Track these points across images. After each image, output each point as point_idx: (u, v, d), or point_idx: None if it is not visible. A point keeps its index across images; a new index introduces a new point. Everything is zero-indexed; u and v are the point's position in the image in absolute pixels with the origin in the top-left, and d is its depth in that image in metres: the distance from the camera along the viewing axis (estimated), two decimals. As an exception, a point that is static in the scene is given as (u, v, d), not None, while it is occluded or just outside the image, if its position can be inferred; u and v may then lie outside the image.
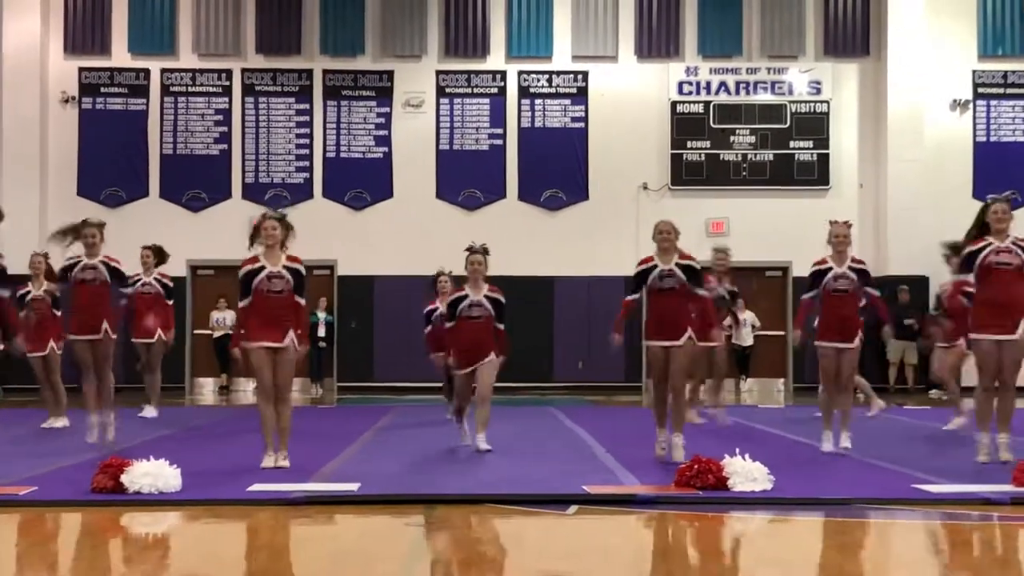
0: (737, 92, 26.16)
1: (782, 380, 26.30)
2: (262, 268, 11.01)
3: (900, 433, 15.41)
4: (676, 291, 11.40)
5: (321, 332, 25.07)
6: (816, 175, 26.03)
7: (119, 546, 8.14)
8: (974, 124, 26.26)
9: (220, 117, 26.13)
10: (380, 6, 26.27)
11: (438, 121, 26.16)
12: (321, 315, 25.12)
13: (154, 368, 17.10)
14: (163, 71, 26.11)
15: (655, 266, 11.46)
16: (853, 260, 12.44)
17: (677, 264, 11.48)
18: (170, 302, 16.88)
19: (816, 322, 12.66)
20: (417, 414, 17.83)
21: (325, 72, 26.19)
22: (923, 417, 17.96)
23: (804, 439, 14.07)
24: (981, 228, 11.58)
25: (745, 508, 8.97)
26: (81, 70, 26.00)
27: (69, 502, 9.15)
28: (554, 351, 25.78)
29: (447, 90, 26.20)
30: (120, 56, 26.09)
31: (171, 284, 17.01)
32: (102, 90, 26.05)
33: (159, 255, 16.91)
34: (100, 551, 7.85)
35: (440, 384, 17.70)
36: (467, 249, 12.35)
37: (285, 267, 11.00)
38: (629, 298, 11.62)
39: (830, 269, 12.32)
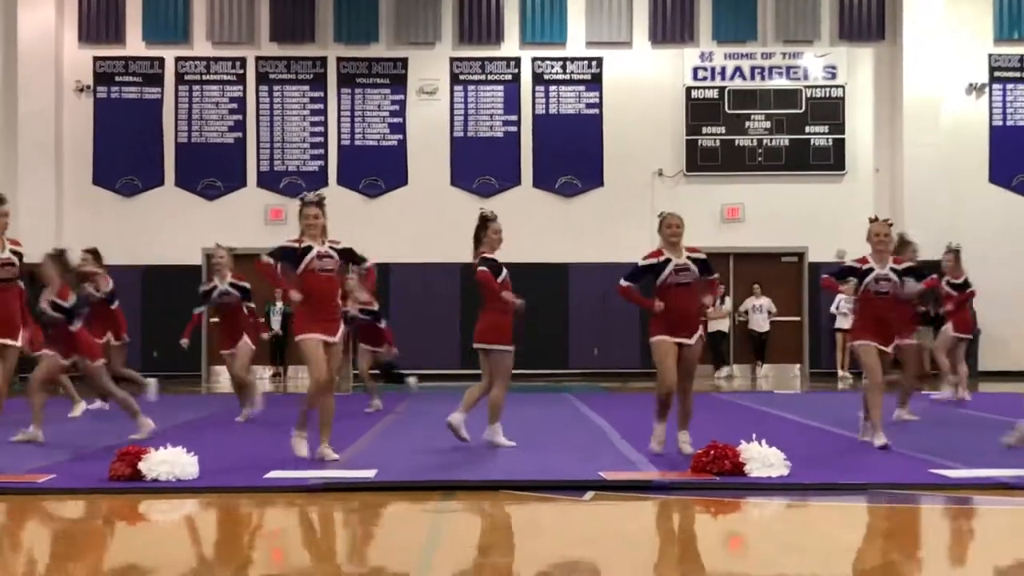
0: (752, 77, 26.10)
1: (798, 366, 26.28)
2: (310, 248, 10.67)
3: (917, 418, 15.37)
4: (691, 286, 11.01)
5: (337, 320, 25.08)
6: (832, 160, 25.98)
7: (137, 533, 8.16)
8: (990, 108, 26.18)
9: (235, 105, 26.16)
10: (394, -7, 26.28)
11: (452, 108, 26.15)
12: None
13: (115, 371, 16.16)
14: (177, 60, 26.14)
15: (668, 260, 10.99)
16: (895, 260, 11.73)
17: (688, 258, 11.09)
18: (114, 306, 15.88)
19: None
20: (433, 401, 17.84)
21: (339, 60, 26.20)
22: (941, 402, 17.91)
23: (820, 424, 14.06)
24: None
25: (762, 494, 8.96)
26: (96, 59, 26.04)
27: (87, 490, 9.18)
28: (569, 338, 25.78)
29: (461, 77, 26.19)
30: (135, 45, 26.13)
31: (110, 287, 15.84)
32: (117, 79, 26.09)
33: (97, 258, 15.90)
34: (118, 538, 7.88)
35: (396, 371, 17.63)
36: (485, 217, 11.77)
37: (330, 246, 10.79)
38: (627, 284, 11.09)
39: (871, 270, 11.60)
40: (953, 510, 8.61)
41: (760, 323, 25.53)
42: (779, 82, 26.10)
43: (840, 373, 25.01)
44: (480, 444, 11.71)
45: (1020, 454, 10.25)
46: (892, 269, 11.62)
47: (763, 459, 9.47)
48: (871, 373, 11.49)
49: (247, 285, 14.79)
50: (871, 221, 11.90)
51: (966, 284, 16.74)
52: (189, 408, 16.90)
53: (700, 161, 25.99)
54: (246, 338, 14.71)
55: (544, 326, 24.54)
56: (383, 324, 16.25)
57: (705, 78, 26.08)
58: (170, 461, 9.36)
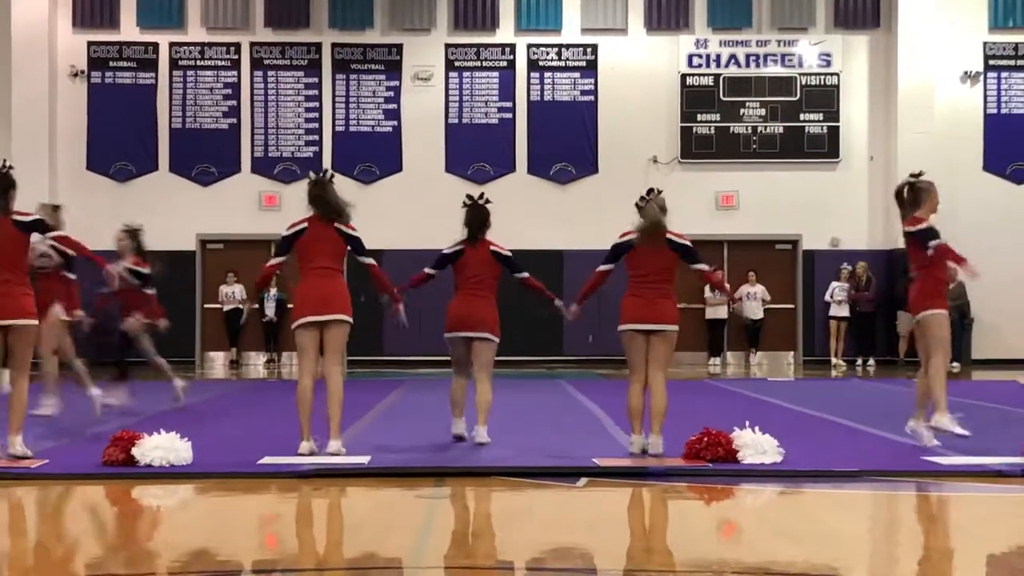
0: (747, 65, 26.08)
1: (792, 353, 26.29)
2: None
3: (910, 405, 15.38)
4: None
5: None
6: (826, 148, 25.97)
7: (130, 518, 8.16)
8: (985, 96, 26.16)
9: (229, 91, 26.10)
10: (389, -21, 26.22)
11: (447, 95, 26.11)
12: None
13: None
14: (172, 45, 26.06)
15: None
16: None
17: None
18: None
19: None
20: (427, 388, 17.85)
21: (334, 46, 26.13)
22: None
23: (814, 411, 14.08)
24: None
25: (755, 480, 8.97)
26: (90, 44, 25.96)
27: (81, 475, 9.17)
28: (563, 324, 25.75)
29: (456, 63, 26.15)
30: (129, 30, 26.05)
31: None
32: (111, 64, 26.02)
33: None
34: (111, 524, 7.88)
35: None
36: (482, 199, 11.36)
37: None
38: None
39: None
40: (946, 497, 8.62)
41: (754, 310, 25.53)
42: (774, 69, 26.08)
43: (833, 360, 25.04)
44: (473, 431, 11.71)
45: (1012, 441, 10.24)
46: None
47: (756, 446, 9.48)
48: (946, 346, 10.53)
49: (71, 252, 12.50)
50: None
51: None
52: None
53: (695, 148, 25.97)
54: (56, 311, 13.04)
55: (538, 312, 24.51)
56: (150, 292, 14.38)
57: (700, 65, 26.05)
58: (164, 446, 9.36)
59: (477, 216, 11.18)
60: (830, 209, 25.78)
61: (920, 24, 25.58)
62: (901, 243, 24.79)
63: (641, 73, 25.98)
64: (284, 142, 26.07)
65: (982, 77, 26.13)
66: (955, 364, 24.34)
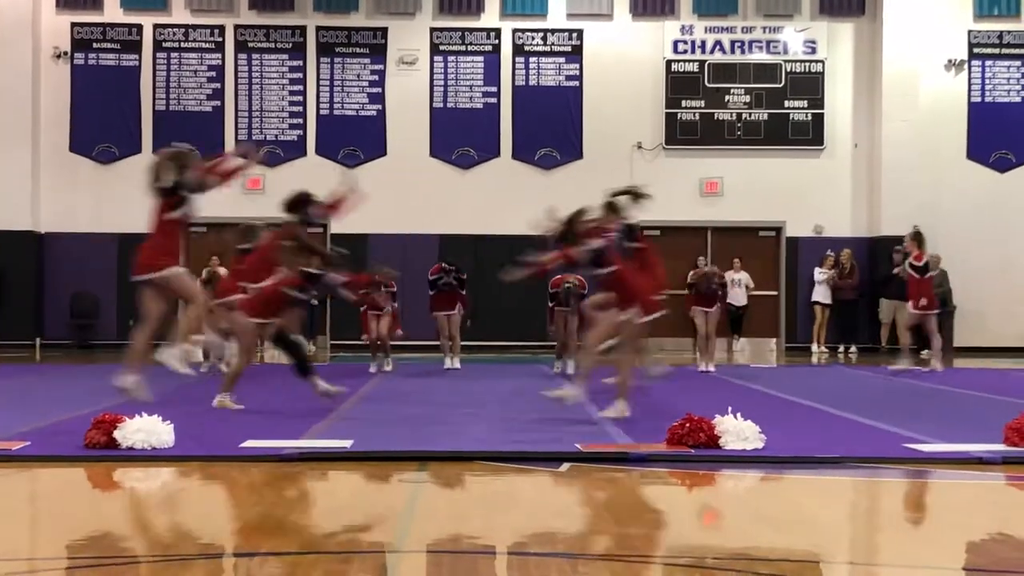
0: (732, 51, 26.08)
1: (774, 340, 26.35)
2: None
3: (892, 392, 15.46)
4: None
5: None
6: (811, 135, 25.99)
7: (111, 501, 8.15)
8: (969, 84, 26.20)
9: (213, 74, 26.01)
10: (374, -38, 26.14)
11: (432, 79, 26.06)
12: (314, 273, 25.14)
13: None
14: (156, 27, 25.96)
15: None
16: None
17: None
18: None
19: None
20: (410, 371, 17.85)
21: (319, 29, 26.06)
22: (915, 377, 18.01)
23: (795, 398, 14.11)
24: None
25: (736, 466, 8.99)
26: (73, 25, 25.84)
27: (62, 457, 9.15)
28: (547, 310, 25.74)
29: (441, 48, 26.09)
30: (112, 11, 25.93)
31: None
32: (95, 46, 25.90)
33: None
34: (92, 506, 7.87)
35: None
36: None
37: None
38: None
39: None
40: (926, 484, 8.65)
41: (738, 297, 25.57)
42: (759, 56, 26.09)
43: (816, 347, 25.11)
44: (456, 415, 11.71)
45: (993, 428, 10.27)
46: None
47: (738, 432, 9.49)
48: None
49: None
50: None
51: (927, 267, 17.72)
52: (166, 378, 16.80)
53: (679, 135, 25.97)
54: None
55: (522, 299, 24.52)
56: None
57: (685, 51, 26.04)
58: (145, 429, 9.33)
59: None
60: (814, 196, 25.82)
61: (905, 12, 25.62)
62: (885, 231, 25.04)
63: (626, 59, 25.97)
64: (268, 125, 26.00)
65: (967, 65, 26.17)
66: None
